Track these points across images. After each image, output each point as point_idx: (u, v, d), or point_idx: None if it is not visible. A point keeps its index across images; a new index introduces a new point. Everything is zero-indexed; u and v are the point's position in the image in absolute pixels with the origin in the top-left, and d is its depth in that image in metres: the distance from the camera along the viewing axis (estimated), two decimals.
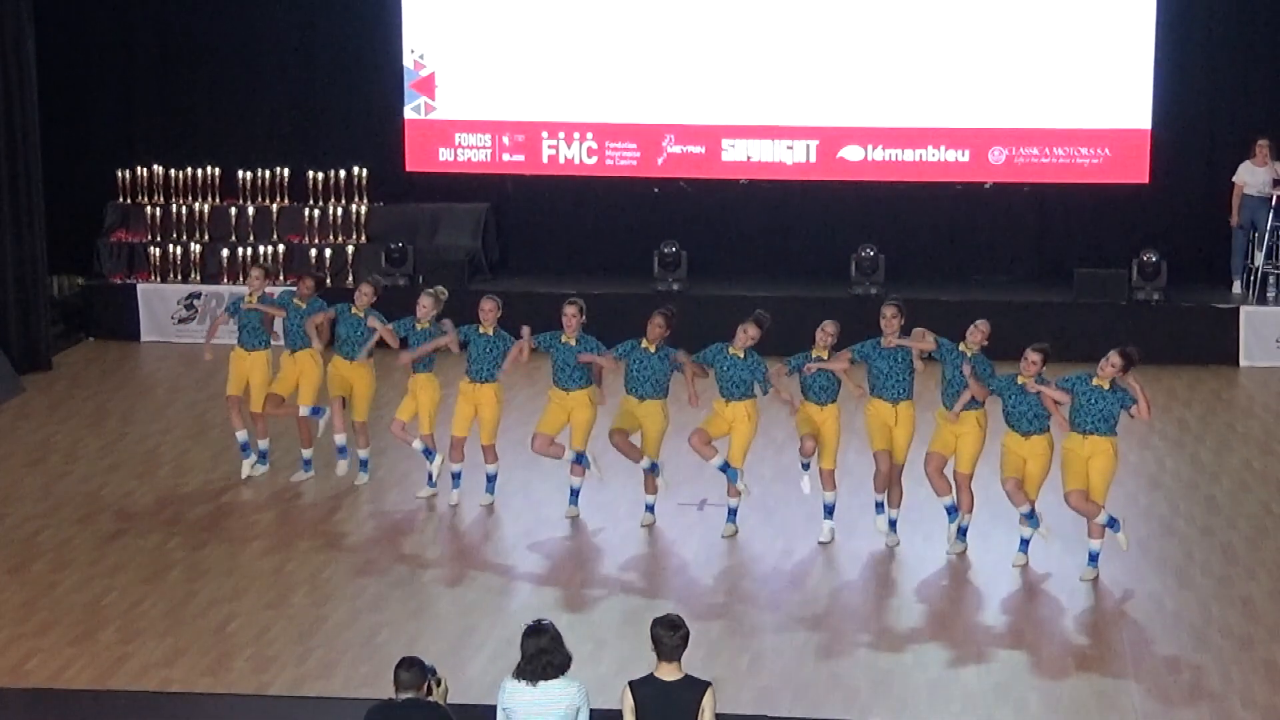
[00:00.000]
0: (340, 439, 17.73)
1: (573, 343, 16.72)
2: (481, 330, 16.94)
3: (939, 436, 15.87)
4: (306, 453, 18.09)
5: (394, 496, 17.59)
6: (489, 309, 16.97)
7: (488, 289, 23.74)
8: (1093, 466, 15.13)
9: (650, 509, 16.75)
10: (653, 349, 16.47)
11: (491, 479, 17.20)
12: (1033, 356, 15.40)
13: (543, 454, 16.84)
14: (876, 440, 16.13)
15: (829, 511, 16.30)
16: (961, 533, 16.03)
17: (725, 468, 16.30)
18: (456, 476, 17.16)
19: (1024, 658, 13.90)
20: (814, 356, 16.26)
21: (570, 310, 16.74)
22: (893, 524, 16.25)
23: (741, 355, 16.20)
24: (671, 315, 16.67)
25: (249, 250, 24.18)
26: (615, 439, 16.53)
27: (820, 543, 16.14)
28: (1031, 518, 15.52)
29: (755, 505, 16.94)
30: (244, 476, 18.19)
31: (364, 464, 17.89)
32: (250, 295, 18.21)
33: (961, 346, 15.89)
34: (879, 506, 16.31)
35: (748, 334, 16.22)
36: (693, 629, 10.34)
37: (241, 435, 18.25)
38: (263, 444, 18.30)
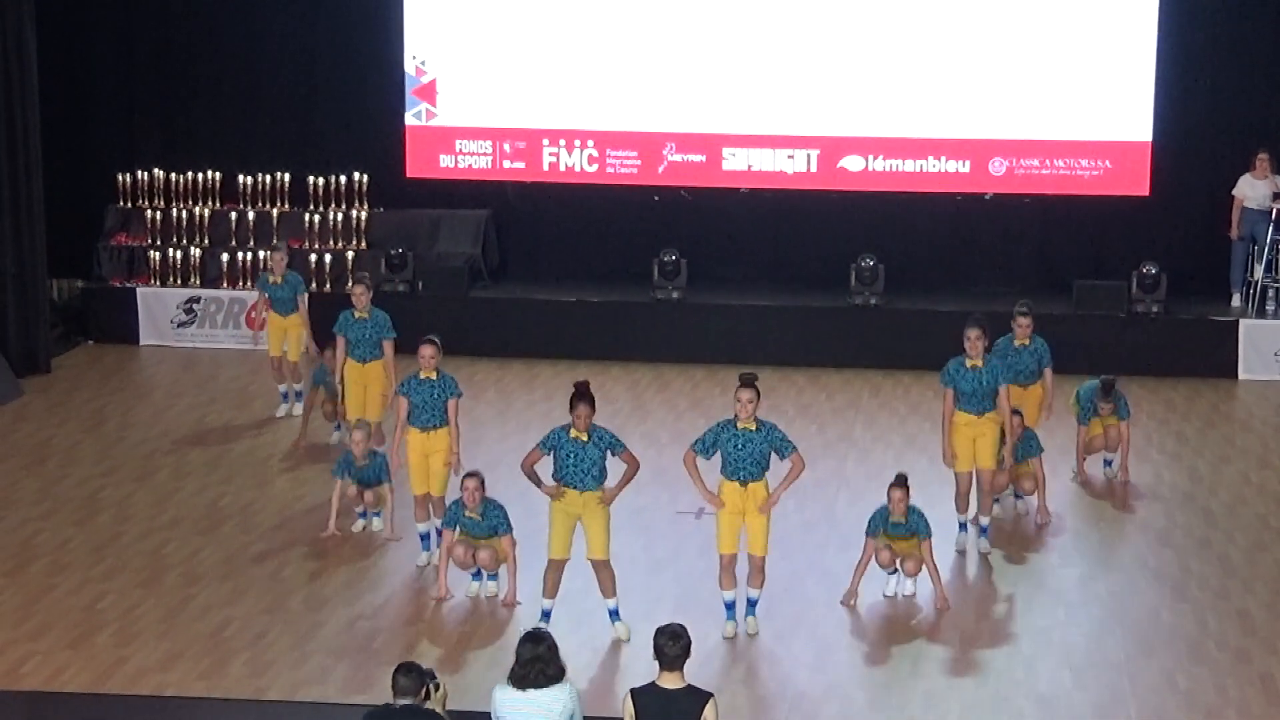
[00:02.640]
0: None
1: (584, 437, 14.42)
2: (423, 375, 15.80)
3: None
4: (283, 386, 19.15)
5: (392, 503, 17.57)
6: (428, 354, 15.80)
7: (487, 296, 23.91)
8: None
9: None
10: (585, 438, 14.19)
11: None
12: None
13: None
14: (962, 460, 16.17)
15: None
16: (983, 531, 16.42)
17: (752, 605, 14.55)
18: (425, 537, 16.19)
19: (1021, 668, 13.90)
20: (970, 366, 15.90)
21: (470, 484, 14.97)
22: (984, 530, 16.47)
23: (754, 428, 14.18)
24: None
25: (249, 255, 24.17)
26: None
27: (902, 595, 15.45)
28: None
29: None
30: (278, 416, 20.51)
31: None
32: (274, 276, 20.38)
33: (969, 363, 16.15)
34: (962, 526, 16.42)
35: (743, 400, 14.13)
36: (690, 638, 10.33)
37: (282, 386, 20.63)
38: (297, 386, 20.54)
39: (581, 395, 14.09)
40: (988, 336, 16.13)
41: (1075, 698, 13.40)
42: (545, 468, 14.25)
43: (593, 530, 14.21)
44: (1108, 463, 18.51)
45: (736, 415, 14.10)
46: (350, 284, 19.02)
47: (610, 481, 14.27)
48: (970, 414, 16.03)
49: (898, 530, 15.00)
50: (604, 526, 14.23)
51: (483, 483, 15.02)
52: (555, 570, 14.34)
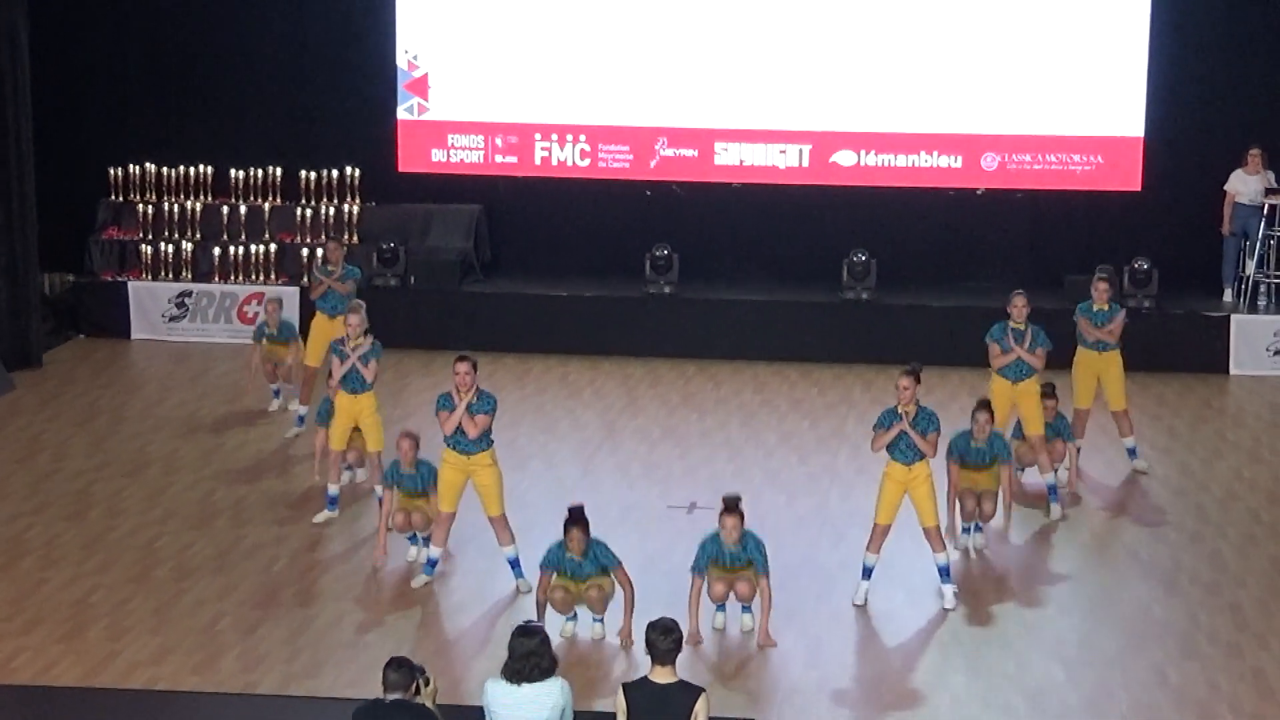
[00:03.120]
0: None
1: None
2: (404, 469, 15.71)
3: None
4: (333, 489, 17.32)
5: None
6: (406, 448, 15.63)
7: (479, 290, 23.89)
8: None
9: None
10: (579, 557, 14.21)
11: (514, 564, 15.66)
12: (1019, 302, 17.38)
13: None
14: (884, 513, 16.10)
15: (945, 574, 15.20)
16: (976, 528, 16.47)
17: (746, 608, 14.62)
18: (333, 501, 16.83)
19: (1012, 663, 13.91)
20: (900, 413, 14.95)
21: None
22: (977, 528, 16.43)
23: (737, 546, 14.18)
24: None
25: (240, 249, 24.15)
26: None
27: (945, 609, 15.18)
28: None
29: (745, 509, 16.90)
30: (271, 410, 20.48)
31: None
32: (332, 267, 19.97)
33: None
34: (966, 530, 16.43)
35: (729, 525, 14.08)
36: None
37: (274, 385, 20.59)
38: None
39: (575, 520, 14.11)
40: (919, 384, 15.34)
41: (1067, 692, 13.41)
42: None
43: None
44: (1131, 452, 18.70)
45: (720, 529, 14.09)
46: (327, 244, 20.49)
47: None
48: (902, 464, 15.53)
49: (735, 560, 14.28)
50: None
51: (417, 442, 15.60)
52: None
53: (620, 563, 14.18)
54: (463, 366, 15.03)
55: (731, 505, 14.12)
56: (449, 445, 15.18)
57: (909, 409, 14.84)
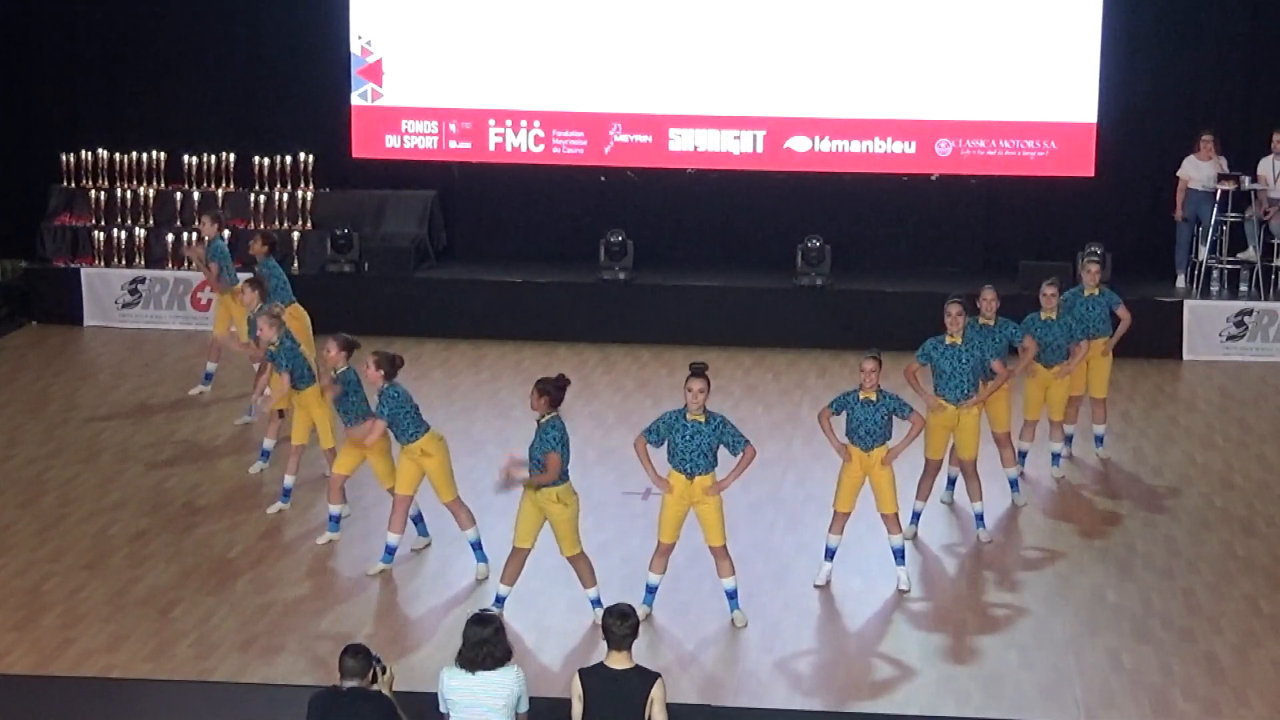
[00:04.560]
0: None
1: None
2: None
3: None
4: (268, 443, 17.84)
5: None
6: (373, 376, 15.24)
7: (433, 276, 23.85)
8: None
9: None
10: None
11: (334, 519, 16.05)
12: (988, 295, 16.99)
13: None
14: (933, 447, 16.15)
15: (900, 556, 15.17)
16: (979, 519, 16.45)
17: (731, 596, 14.45)
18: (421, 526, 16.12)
19: (967, 649, 13.95)
20: (861, 399, 14.86)
21: None
22: (979, 517, 16.37)
23: (704, 419, 14.06)
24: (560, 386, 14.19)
25: (193, 235, 24.05)
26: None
27: (900, 590, 15.14)
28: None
29: None
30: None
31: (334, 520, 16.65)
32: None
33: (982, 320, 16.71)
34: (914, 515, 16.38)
35: (694, 389, 13.93)
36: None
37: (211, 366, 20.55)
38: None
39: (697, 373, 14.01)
40: (968, 313, 16.16)
41: (1021, 677, 13.45)
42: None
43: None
44: (1099, 440, 18.65)
45: (686, 405, 14.01)
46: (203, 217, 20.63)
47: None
48: (948, 402, 16.00)
49: (698, 457, 14.10)
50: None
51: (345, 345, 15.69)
52: (517, 559, 14.32)
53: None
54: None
55: (698, 370, 13.95)
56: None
57: (870, 394, 14.86)
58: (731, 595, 14.39)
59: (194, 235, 21.78)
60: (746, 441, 14.13)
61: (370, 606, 14.68)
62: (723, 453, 14.14)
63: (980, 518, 16.30)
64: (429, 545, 15.85)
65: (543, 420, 13.87)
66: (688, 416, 13.97)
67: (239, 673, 13.34)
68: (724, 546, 14.28)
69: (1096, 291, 18.32)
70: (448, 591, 14.97)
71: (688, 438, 13.98)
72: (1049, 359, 17.61)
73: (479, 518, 15.36)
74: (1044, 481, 17.86)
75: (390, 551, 15.37)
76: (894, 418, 14.89)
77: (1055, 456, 18.14)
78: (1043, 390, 17.74)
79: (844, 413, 14.99)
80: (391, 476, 15.46)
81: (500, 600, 14.26)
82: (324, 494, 16.68)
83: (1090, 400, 18.40)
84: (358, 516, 16.31)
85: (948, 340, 16.01)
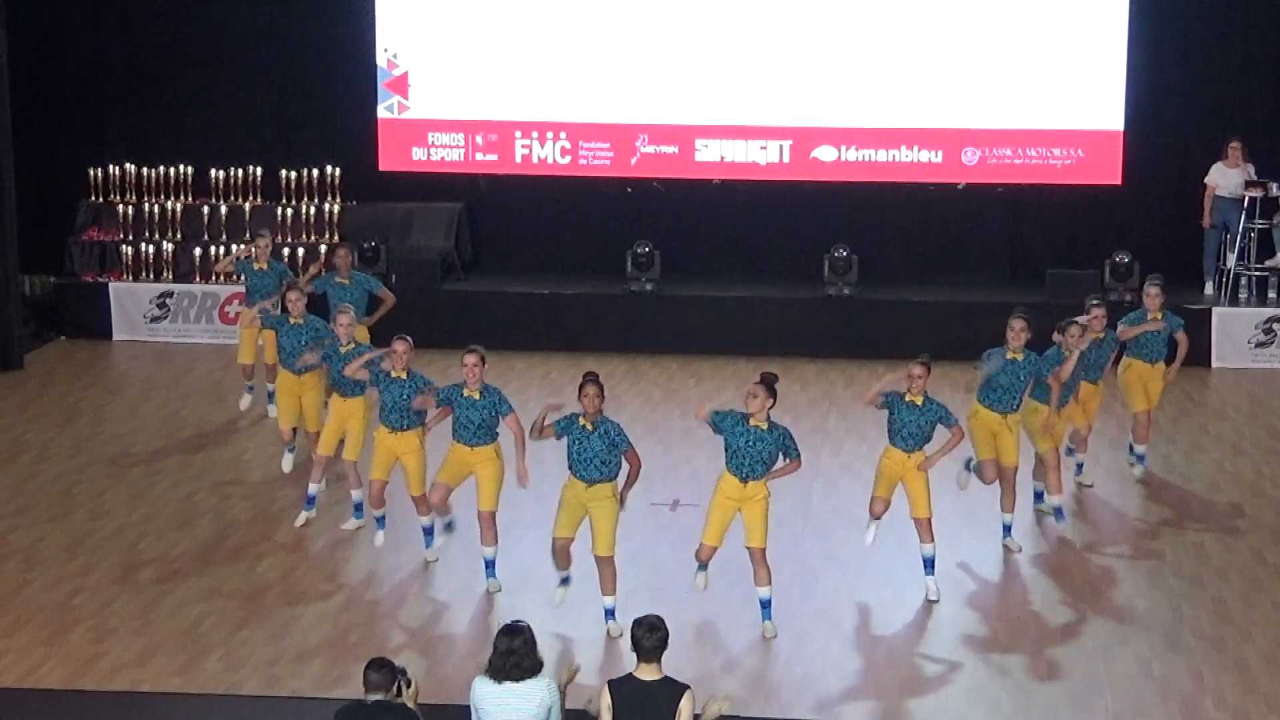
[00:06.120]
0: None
1: (476, 395, 15.02)
2: (395, 374, 15.53)
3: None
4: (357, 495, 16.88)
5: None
6: (401, 350, 15.49)
7: (460, 288, 23.88)
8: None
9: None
10: (590, 426, 14.14)
11: (428, 532, 15.94)
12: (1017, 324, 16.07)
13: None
14: (983, 449, 16.11)
15: (930, 565, 15.15)
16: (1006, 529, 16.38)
17: (765, 606, 14.43)
18: (381, 519, 16.11)
19: (997, 659, 13.91)
20: (907, 401, 14.93)
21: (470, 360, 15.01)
22: (1007, 528, 16.32)
23: (766, 428, 14.15)
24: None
25: (221, 249, 24.10)
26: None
27: (929, 600, 15.14)
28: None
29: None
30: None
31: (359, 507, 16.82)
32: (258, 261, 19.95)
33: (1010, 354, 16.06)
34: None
35: (759, 399, 14.05)
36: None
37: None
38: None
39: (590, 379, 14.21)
40: (1032, 329, 16.03)
41: (1051, 686, 13.41)
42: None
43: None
44: (1135, 454, 18.48)
45: (750, 412, 14.08)
46: (256, 236, 20.38)
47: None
48: (996, 412, 15.98)
49: (755, 464, 14.25)
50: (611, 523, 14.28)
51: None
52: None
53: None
54: (471, 358, 15.06)
55: (769, 381, 14.12)
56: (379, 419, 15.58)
57: (916, 398, 14.92)
58: (765, 604, 14.38)
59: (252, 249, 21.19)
60: (799, 453, 14.33)
61: (400, 618, 14.68)
62: (709, 452, 14.22)
63: (1008, 528, 16.26)
64: (438, 560, 15.87)
65: (597, 423, 14.06)
66: (750, 422, 14.08)
67: (267, 686, 13.35)
68: (764, 551, 14.30)
69: (1159, 315, 17.97)
70: (480, 603, 14.95)
71: (749, 442, 14.11)
72: (1150, 356, 17.87)
73: (510, 530, 15.33)
74: (1071, 489, 17.80)
75: (430, 533, 15.82)
76: (939, 425, 15.00)
77: (1140, 458, 18.32)
78: (1143, 382, 17.91)
79: (888, 410, 15.06)
80: (422, 485, 15.50)
81: (566, 580, 14.60)
82: (349, 507, 16.70)
83: (1135, 418, 18.23)
84: (388, 527, 16.26)
85: (1008, 355, 15.97)
